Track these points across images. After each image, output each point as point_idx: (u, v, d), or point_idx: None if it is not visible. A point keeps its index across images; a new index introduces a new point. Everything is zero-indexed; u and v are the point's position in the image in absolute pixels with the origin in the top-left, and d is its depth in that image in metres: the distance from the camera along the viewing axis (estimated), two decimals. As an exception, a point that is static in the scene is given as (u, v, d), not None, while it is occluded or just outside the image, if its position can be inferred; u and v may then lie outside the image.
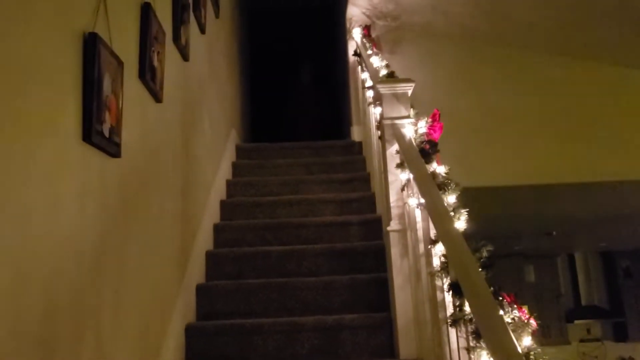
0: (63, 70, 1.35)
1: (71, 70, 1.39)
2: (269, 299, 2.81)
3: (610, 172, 4.71)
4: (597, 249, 9.55)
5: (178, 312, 2.45)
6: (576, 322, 9.19)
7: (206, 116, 3.39)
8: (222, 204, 3.72)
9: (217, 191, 3.68)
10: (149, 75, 1.97)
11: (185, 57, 2.69)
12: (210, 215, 3.36)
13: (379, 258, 2.90)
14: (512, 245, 8.50)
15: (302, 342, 2.52)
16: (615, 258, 9.44)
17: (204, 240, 3.11)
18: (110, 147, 1.56)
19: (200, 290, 2.80)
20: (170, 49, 2.39)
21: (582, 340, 9.18)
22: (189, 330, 2.53)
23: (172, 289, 2.40)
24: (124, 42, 1.77)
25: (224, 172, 4.01)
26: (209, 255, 3.09)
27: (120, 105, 1.65)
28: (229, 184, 4.03)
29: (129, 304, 1.80)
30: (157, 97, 2.11)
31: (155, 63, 2.07)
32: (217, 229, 3.38)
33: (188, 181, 2.78)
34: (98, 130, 1.46)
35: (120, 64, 1.65)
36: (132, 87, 1.85)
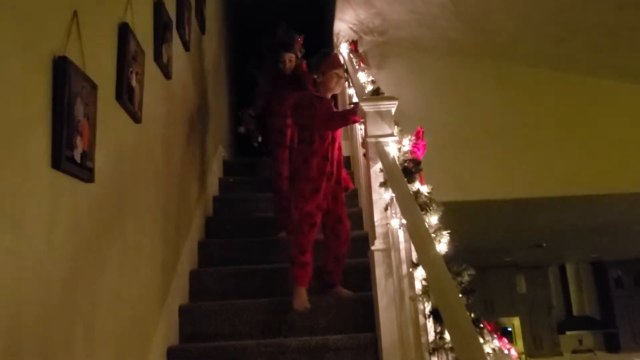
0: (31, 96, 1.31)
1: (40, 96, 1.35)
2: (254, 319, 2.76)
3: (599, 185, 4.71)
4: (588, 260, 9.56)
5: (160, 334, 2.40)
6: (568, 333, 9.18)
7: (191, 133, 3.36)
8: (208, 221, 3.68)
9: (203, 208, 3.64)
10: (126, 96, 1.93)
11: (167, 75, 2.66)
12: (195, 233, 3.32)
13: (366, 276, 2.87)
14: (502, 256, 8.49)
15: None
16: (607, 268, 9.45)
17: (188, 260, 3.07)
18: (83, 172, 1.52)
19: (183, 311, 2.75)
20: (150, 68, 2.36)
21: (574, 352, 9.15)
22: (171, 353, 2.48)
23: (153, 311, 2.35)
24: (99, 64, 1.74)
25: (211, 188, 3.98)
26: (193, 275, 3.05)
27: (94, 129, 1.61)
28: (215, 200, 3.99)
29: (104, 329, 1.75)
30: (135, 118, 2.07)
31: (134, 83, 2.04)
32: (202, 247, 3.34)
33: (171, 200, 2.74)
34: (68, 157, 1.42)
35: (94, 87, 1.62)
36: (109, 110, 1.81)
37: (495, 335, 1.28)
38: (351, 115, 2.79)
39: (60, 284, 1.44)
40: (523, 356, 8.71)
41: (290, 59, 3.64)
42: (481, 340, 1.28)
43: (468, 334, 1.25)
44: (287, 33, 4.16)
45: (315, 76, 2.95)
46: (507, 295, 9.07)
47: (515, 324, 8.93)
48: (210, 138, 4.09)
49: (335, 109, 2.91)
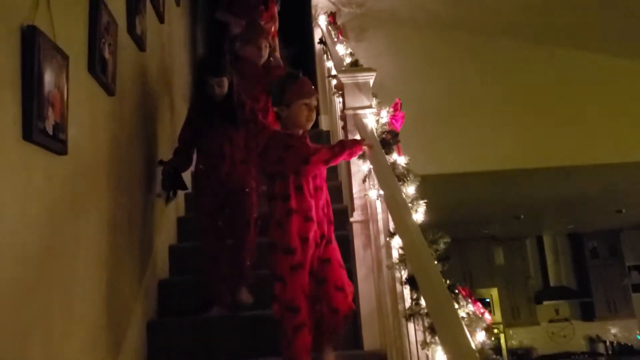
0: (-1, 67, 1.29)
1: (8, 67, 1.32)
2: (234, 292, 2.77)
3: (574, 156, 4.76)
4: (565, 231, 9.70)
5: (139, 309, 2.41)
6: (545, 303, 9.34)
7: (168, 106, 3.32)
8: (187, 196, 3.66)
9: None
10: (99, 68, 1.90)
11: (141, 47, 2.61)
12: (174, 208, 3.30)
13: (346, 248, 2.88)
14: (481, 228, 8.59)
15: (266, 333, 2.49)
16: (583, 239, 9.61)
17: (168, 235, 3.06)
18: (55, 144, 1.50)
19: (162, 286, 2.75)
20: (124, 39, 2.32)
21: (551, 321, 9.35)
22: (151, 327, 2.49)
23: (132, 286, 2.35)
24: (70, 35, 1.70)
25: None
26: (172, 250, 3.04)
27: (66, 101, 1.59)
28: (194, 176, 3.96)
29: (83, 303, 1.75)
30: (109, 90, 2.04)
31: (107, 55, 2.00)
32: (180, 222, 3.34)
33: (149, 174, 2.72)
34: (40, 128, 1.40)
35: (65, 57, 1.58)
36: (81, 81, 1.78)
37: (469, 300, 1.29)
38: (356, 144, 2.19)
39: (35, 258, 1.42)
40: (501, 326, 8.88)
41: (219, 84, 2.74)
42: (456, 306, 1.30)
43: (443, 299, 1.27)
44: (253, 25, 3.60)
45: (276, 109, 2.20)
46: (485, 266, 9.20)
47: (493, 294, 9.07)
48: (186, 110, 4.04)
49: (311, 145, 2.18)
